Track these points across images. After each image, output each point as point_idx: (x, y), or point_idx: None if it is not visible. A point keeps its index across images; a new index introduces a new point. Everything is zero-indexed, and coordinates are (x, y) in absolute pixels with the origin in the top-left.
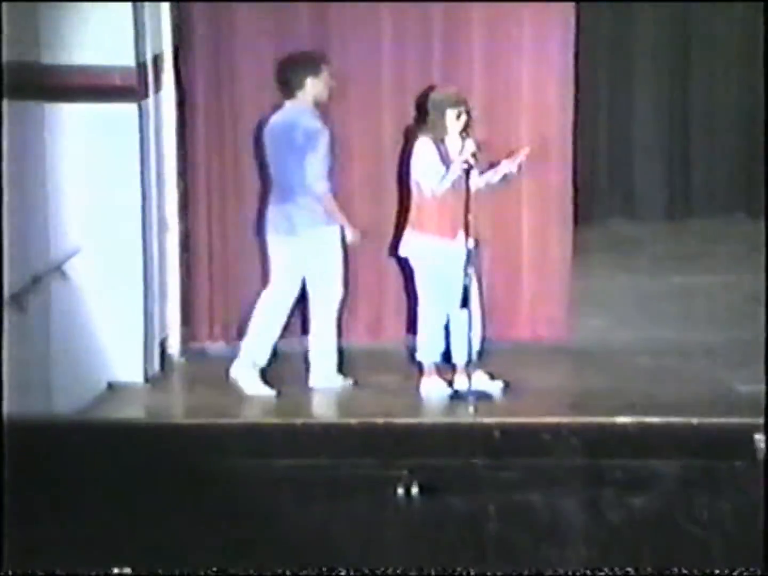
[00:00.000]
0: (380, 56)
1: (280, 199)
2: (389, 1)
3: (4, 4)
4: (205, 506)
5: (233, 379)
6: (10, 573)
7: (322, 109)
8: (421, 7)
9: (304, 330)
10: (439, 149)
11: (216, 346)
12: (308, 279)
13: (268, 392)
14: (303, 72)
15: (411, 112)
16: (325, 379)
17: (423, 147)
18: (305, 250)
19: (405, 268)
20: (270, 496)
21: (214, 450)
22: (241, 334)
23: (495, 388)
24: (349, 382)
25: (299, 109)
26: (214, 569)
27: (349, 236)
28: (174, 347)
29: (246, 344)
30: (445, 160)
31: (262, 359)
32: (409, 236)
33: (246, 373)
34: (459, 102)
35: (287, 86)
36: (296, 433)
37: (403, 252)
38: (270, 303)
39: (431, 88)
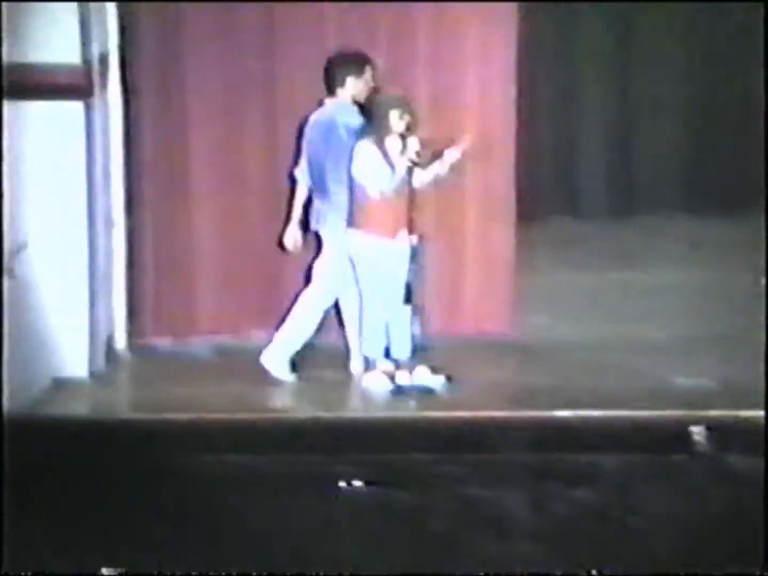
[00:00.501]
0: (325, 56)
1: (316, 195)
2: (335, 1)
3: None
4: (151, 501)
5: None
6: None
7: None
8: (365, 9)
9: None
10: (381, 150)
11: (163, 342)
12: (314, 269)
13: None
14: (346, 71)
15: None
16: (275, 367)
17: (365, 150)
18: (326, 245)
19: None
20: (215, 491)
21: (160, 445)
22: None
23: (437, 382)
24: (293, 376)
25: (339, 106)
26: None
27: None
28: (120, 343)
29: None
30: (388, 161)
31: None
32: (350, 235)
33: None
34: (401, 103)
35: (329, 84)
36: (242, 428)
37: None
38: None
39: (375, 91)
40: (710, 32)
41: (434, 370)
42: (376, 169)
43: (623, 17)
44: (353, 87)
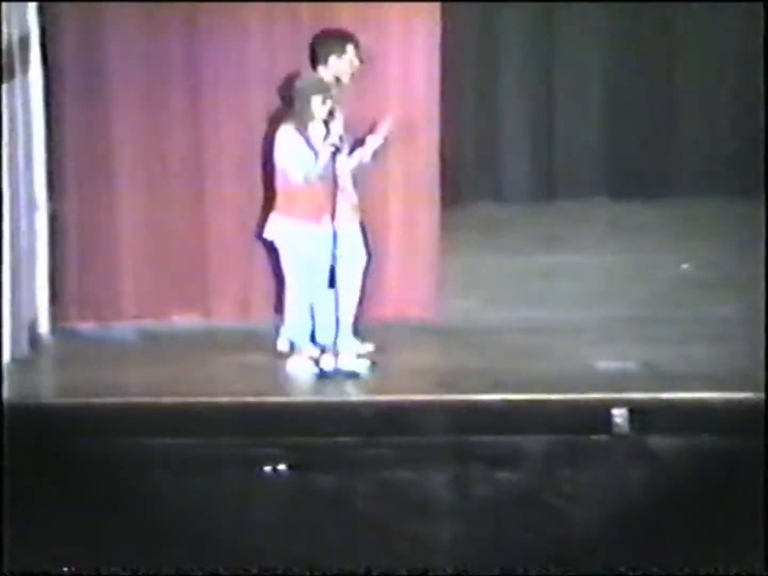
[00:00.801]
0: (249, 42)
1: None
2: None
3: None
4: (76, 485)
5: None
6: None
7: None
8: None
9: None
10: (303, 135)
11: (86, 326)
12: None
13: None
14: (328, 49)
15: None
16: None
17: (286, 135)
18: None
19: (272, 249)
20: (141, 475)
21: (85, 430)
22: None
23: (361, 366)
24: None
25: None
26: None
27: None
28: (44, 327)
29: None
30: (311, 146)
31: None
32: (274, 220)
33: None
34: (324, 88)
35: (312, 59)
36: (167, 412)
37: (268, 235)
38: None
39: (296, 75)
40: (629, 22)
41: (359, 355)
42: (298, 155)
43: (545, 6)
44: (335, 65)
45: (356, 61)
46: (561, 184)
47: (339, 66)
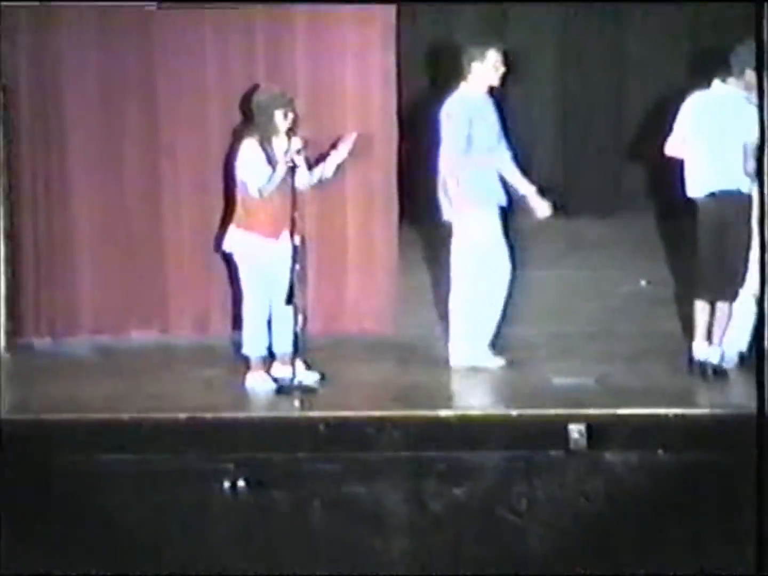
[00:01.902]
0: (204, 56)
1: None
2: (214, 2)
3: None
4: (31, 501)
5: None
6: None
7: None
8: (244, 6)
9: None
10: (265, 150)
11: (42, 342)
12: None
13: (498, 362)
14: (469, 57)
15: (236, 111)
16: (477, 360)
17: (248, 148)
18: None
19: (230, 263)
20: (97, 491)
21: (40, 445)
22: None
23: (311, 378)
24: (501, 361)
25: (454, 94)
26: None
27: (540, 209)
28: None
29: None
30: (272, 161)
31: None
32: (232, 233)
33: (469, 351)
34: (286, 102)
35: (461, 71)
36: (123, 428)
37: (226, 247)
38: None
39: (255, 88)
40: (584, 42)
41: (309, 366)
42: (255, 168)
43: (499, 16)
44: (479, 72)
45: (501, 66)
46: (516, 200)
47: (484, 72)
